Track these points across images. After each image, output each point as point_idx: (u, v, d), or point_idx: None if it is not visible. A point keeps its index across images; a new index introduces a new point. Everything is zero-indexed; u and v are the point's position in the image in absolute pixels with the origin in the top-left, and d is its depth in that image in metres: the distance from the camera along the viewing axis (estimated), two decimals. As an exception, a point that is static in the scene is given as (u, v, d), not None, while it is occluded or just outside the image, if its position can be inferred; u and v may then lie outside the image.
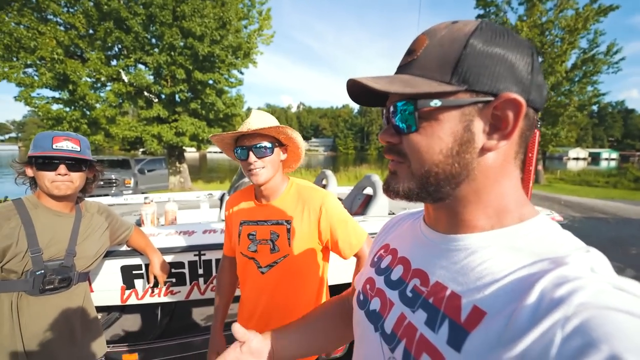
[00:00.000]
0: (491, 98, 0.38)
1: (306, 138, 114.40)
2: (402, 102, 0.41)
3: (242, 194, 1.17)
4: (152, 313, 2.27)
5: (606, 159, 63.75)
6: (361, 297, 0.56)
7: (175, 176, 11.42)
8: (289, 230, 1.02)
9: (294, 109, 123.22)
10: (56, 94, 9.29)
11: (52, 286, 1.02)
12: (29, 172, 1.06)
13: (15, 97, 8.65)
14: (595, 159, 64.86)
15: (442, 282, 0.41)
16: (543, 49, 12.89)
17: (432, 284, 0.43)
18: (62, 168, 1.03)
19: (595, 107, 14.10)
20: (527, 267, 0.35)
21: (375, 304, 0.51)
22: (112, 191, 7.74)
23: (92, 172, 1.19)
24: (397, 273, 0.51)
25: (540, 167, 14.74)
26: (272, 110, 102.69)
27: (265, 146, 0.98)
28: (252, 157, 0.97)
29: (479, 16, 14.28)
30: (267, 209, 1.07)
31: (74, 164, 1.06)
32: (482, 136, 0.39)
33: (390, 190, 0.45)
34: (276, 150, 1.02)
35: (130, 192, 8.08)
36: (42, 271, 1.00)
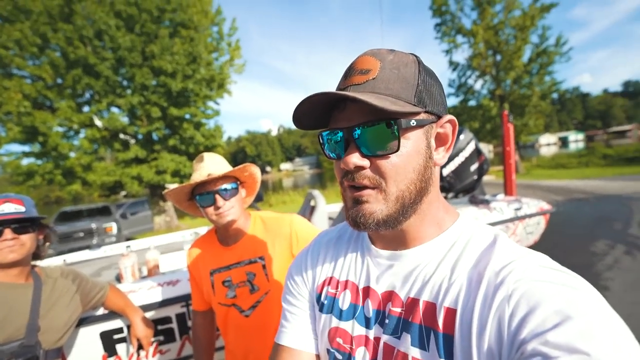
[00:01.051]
0: (436, 119, 0.43)
1: (290, 159, 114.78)
2: (380, 121, 0.39)
3: (202, 242, 1.13)
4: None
5: (574, 141, 67.03)
6: (339, 356, 0.48)
7: (160, 215, 11.05)
8: (264, 267, 1.01)
9: (274, 132, 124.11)
10: (26, 148, 8.95)
11: None
12: None
13: (-20, 156, 8.27)
14: (564, 142, 68.13)
15: (414, 296, 0.42)
16: (499, 48, 13.80)
17: (405, 301, 0.43)
18: (7, 232, 0.95)
19: (555, 95, 14.99)
20: (472, 261, 0.40)
21: (361, 356, 0.45)
22: (94, 241, 7.35)
23: (41, 233, 1.09)
24: (368, 308, 0.47)
25: (516, 156, 15.36)
26: (252, 136, 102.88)
27: (231, 187, 0.99)
28: (220, 201, 0.96)
29: (436, 25, 15.13)
30: (236, 250, 1.04)
31: (20, 226, 0.98)
32: (433, 152, 0.44)
33: (367, 223, 0.42)
34: (240, 189, 1.04)
35: (114, 239, 7.71)
36: None
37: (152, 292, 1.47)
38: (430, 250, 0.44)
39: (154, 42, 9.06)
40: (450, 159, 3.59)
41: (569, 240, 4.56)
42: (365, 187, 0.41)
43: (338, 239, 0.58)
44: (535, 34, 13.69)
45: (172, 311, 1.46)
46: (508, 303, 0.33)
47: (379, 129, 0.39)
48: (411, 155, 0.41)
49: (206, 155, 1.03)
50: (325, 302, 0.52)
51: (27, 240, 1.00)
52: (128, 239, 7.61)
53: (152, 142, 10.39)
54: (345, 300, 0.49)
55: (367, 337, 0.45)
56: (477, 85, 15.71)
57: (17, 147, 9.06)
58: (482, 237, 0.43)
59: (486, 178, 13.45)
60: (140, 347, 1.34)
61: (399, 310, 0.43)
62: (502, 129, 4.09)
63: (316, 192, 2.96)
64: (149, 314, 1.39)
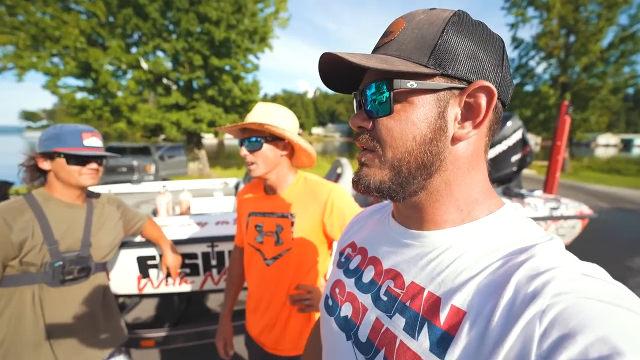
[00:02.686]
0: (465, 85, 0.37)
1: (322, 124, 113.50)
2: (377, 82, 0.39)
3: (253, 185, 1.20)
4: (170, 299, 2.37)
5: (641, 145, 59.38)
6: (330, 302, 0.52)
7: (194, 162, 11.69)
8: (292, 224, 1.03)
9: (310, 95, 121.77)
10: (80, 83, 9.61)
11: (72, 276, 1.06)
12: (44, 164, 1.06)
13: (43, 85, 9.02)
14: (627, 145, 60.48)
15: (419, 283, 0.39)
16: (576, 27, 11.92)
17: (408, 285, 0.41)
18: (94, 163, 1.10)
19: (631, 90, 13.00)
20: (500, 261, 0.35)
21: (346, 310, 0.48)
22: (134, 177, 8.02)
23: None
24: (368, 274, 0.48)
25: (566, 154, 13.99)
26: (288, 96, 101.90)
27: (253, 140, 0.98)
28: (243, 151, 0.99)
29: (506, -8, 13.28)
30: (273, 201, 1.08)
31: (100, 158, 1.13)
32: (454, 124, 0.38)
33: (360, 184, 0.42)
34: (266, 145, 0.98)
35: (152, 178, 8.35)
36: (61, 262, 1.04)
37: (183, 229, 1.62)
38: (449, 238, 0.39)
39: (201, -14, 8.91)
40: (492, 145, 3.36)
41: (605, 250, 4.26)
42: (368, 150, 0.42)
43: (379, 209, 0.60)
44: (627, 13, 11.58)
45: (198, 249, 1.61)
46: (540, 321, 0.27)
47: (375, 89, 0.39)
48: (412, 121, 0.37)
49: (260, 104, 1.03)
50: (343, 260, 0.56)
51: (101, 170, 1.15)
52: (164, 180, 8.22)
53: (192, 90, 10.67)
54: (354, 262, 0.52)
55: (357, 298, 0.47)
56: (539, 69, 13.99)
57: (72, 82, 9.71)
58: (525, 234, 0.37)
59: (526, 172, 12.54)
60: (168, 274, 1.51)
61: (399, 291, 0.41)
62: (557, 121, 3.70)
63: (344, 161, 2.95)
64: (178, 248, 1.54)
